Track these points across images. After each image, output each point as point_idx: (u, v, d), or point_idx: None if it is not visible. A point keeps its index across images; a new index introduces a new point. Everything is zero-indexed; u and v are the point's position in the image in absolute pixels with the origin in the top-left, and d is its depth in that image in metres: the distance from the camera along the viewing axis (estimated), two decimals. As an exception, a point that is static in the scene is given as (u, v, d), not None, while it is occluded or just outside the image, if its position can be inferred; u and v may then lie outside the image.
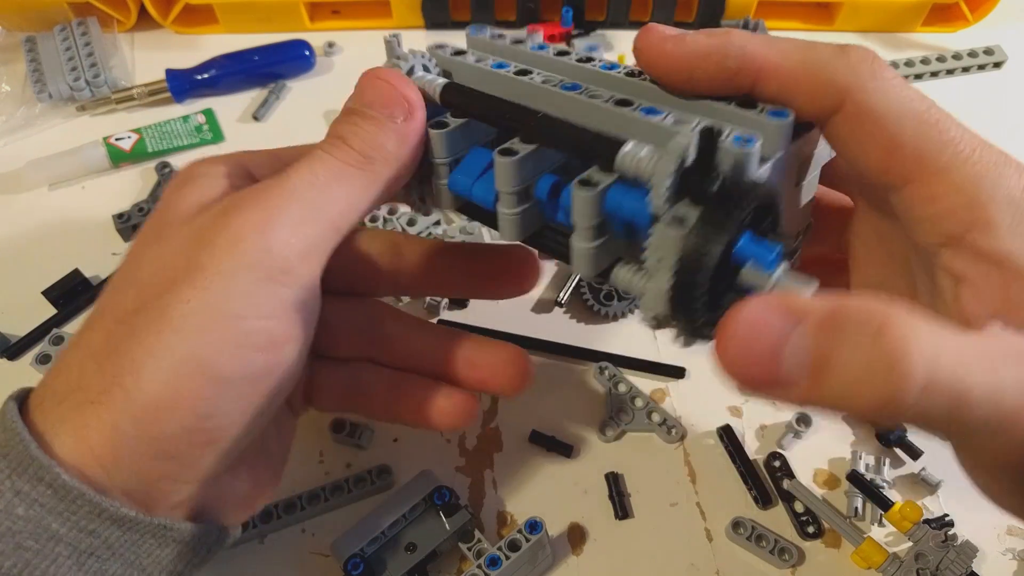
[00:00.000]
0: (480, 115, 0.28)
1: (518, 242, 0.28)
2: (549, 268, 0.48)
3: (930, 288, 0.26)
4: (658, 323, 0.24)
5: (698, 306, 0.21)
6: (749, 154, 0.22)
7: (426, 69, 0.29)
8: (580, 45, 0.63)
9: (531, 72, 0.28)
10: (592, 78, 0.28)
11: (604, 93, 0.27)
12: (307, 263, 0.25)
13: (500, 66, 0.29)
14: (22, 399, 0.25)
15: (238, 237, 0.24)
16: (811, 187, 0.28)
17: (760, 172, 0.23)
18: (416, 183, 0.30)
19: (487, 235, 0.49)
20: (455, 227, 0.49)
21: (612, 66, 0.28)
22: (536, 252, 0.35)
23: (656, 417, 0.41)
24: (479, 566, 0.33)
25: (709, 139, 0.21)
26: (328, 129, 0.27)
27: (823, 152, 0.28)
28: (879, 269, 0.28)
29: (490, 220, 0.29)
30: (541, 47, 0.30)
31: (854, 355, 0.18)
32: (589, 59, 0.29)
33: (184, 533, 0.26)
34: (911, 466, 0.40)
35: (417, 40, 0.65)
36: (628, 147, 0.23)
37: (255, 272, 0.24)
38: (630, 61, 0.28)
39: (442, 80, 0.28)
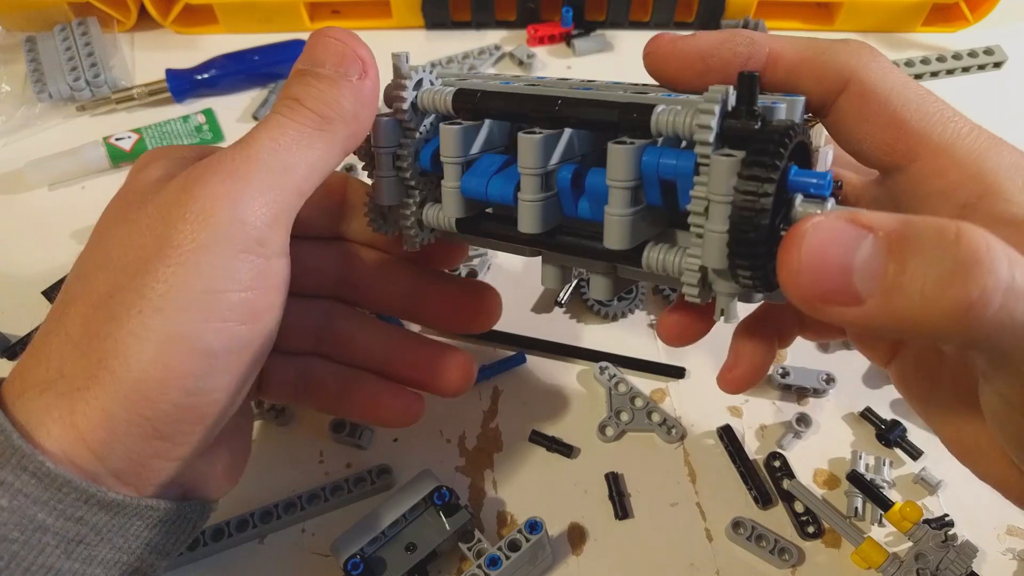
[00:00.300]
0: (497, 112, 0.27)
1: (528, 237, 0.27)
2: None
3: None
4: (702, 288, 0.24)
5: (760, 243, 0.21)
6: (779, 108, 0.23)
7: (431, 84, 0.29)
8: (580, 46, 0.63)
9: (538, 85, 0.28)
10: (600, 87, 0.28)
11: (618, 90, 0.27)
12: (277, 231, 0.25)
13: (506, 84, 0.29)
14: None
15: (208, 210, 0.24)
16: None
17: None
18: (416, 205, 0.30)
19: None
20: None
21: (619, 83, 0.29)
22: (498, 294, 0.36)
23: (656, 417, 0.41)
24: (479, 566, 0.33)
25: (748, 83, 0.21)
26: (280, 92, 0.27)
27: (820, 163, 0.28)
28: None
29: (496, 231, 0.29)
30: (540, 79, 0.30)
31: (931, 261, 0.17)
32: (591, 81, 0.29)
33: (170, 512, 0.26)
34: (911, 466, 0.40)
35: (417, 40, 0.65)
36: (660, 108, 0.23)
37: (230, 245, 0.24)
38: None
39: (451, 88, 0.28)
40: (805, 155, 0.23)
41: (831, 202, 0.21)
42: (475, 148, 0.28)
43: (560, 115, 0.26)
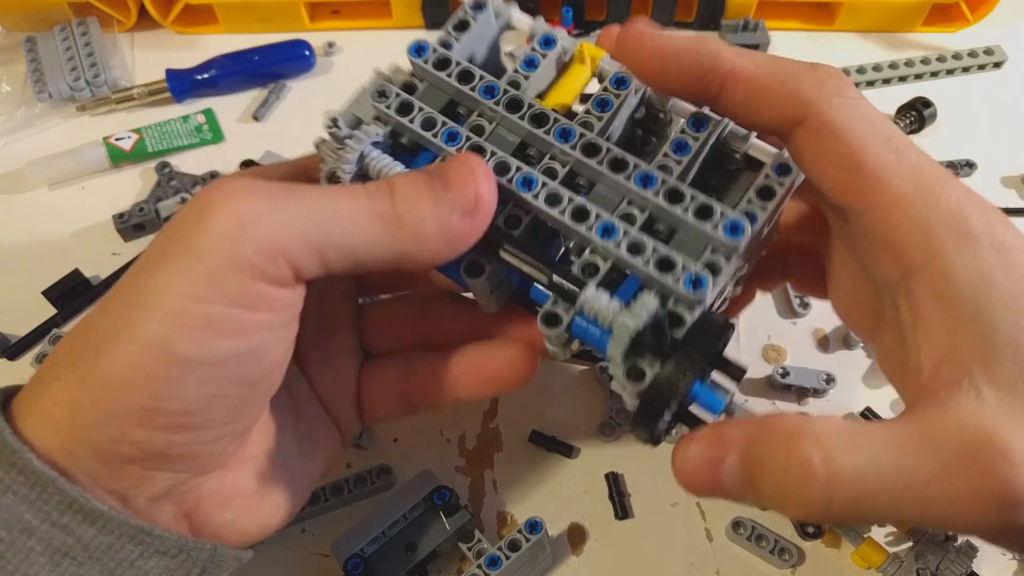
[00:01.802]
0: None
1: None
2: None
3: (893, 311, 0.25)
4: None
5: (659, 427, 0.25)
6: (700, 300, 0.24)
7: (374, 154, 0.27)
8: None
9: (484, 151, 0.27)
10: (547, 148, 0.27)
11: (563, 195, 0.26)
12: (277, 265, 0.24)
13: (452, 132, 0.27)
14: (11, 395, 0.25)
15: (212, 222, 0.23)
16: (772, 219, 0.28)
17: (713, 294, 0.25)
18: None
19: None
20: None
21: (569, 131, 0.27)
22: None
23: (656, 417, 0.41)
24: (479, 566, 0.33)
25: (662, 309, 0.24)
26: (394, 176, 0.26)
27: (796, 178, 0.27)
28: (850, 280, 0.28)
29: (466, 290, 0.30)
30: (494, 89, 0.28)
31: (772, 483, 0.22)
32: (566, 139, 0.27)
33: (168, 543, 0.25)
34: (911, 466, 0.39)
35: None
36: (588, 292, 0.25)
37: (221, 258, 0.23)
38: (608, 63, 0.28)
39: (399, 167, 0.27)
40: (724, 343, 0.26)
41: (729, 397, 0.25)
42: None
43: (505, 254, 0.27)
